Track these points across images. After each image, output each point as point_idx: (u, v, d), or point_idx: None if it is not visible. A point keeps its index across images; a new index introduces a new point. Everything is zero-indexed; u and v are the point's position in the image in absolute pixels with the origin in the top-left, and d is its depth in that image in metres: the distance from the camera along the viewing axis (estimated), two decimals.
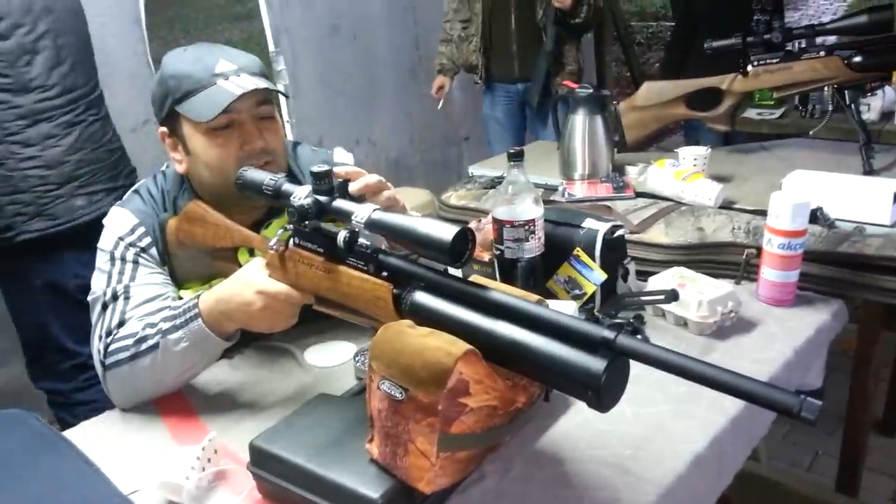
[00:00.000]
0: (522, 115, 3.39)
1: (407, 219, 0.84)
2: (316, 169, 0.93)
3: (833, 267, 1.34)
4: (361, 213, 0.89)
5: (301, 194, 0.94)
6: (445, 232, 0.79)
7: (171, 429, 1.11)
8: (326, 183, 0.93)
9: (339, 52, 3.55)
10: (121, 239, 1.22)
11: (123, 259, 1.21)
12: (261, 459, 0.90)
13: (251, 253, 1.20)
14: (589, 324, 0.73)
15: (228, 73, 1.16)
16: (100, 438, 1.10)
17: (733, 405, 1.04)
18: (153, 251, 1.23)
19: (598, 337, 0.71)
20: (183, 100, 1.16)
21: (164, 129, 1.23)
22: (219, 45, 1.23)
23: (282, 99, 3.41)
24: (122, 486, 0.88)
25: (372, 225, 0.87)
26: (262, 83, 1.16)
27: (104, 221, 1.26)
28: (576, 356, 0.71)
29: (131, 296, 1.18)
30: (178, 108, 1.17)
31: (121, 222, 1.24)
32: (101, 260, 1.23)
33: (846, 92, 1.77)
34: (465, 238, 0.81)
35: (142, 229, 1.23)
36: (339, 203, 0.93)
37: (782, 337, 1.22)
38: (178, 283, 1.25)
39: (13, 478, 0.81)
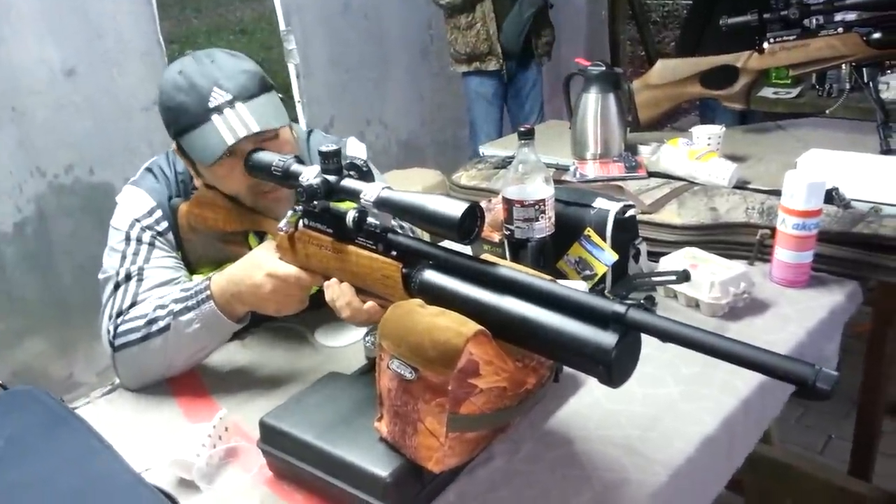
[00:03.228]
0: (504, 91, 3.52)
1: (416, 196, 0.84)
2: (324, 148, 0.92)
3: (848, 248, 1.32)
4: (370, 191, 0.88)
5: (310, 174, 0.93)
6: (454, 208, 0.79)
7: (184, 407, 1.12)
8: (335, 162, 0.93)
9: (351, 31, 3.53)
10: (137, 220, 1.21)
11: (139, 240, 1.20)
12: (270, 436, 0.90)
13: (259, 237, 1.20)
14: (600, 298, 0.72)
15: (223, 106, 1.09)
16: (112, 416, 1.11)
17: (745, 386, 1.03)
18: (169, 235, 1.22)
19: (609, 311, 0.70)
20: (182, 133, 1.12)
21: (175, 146, 1.19)
22: (214, 60, 1.13)
23: (293, 78, 3.41)
24: (133, 464, 0.88)
25: (381, 203, 0.87)
26: (254, 125, 1.08)
27: (117, 199, 1.25)
28: (587, 331, 0.71)
29: (144, 278, 1.18)
30: (180, 142, 1.14)
31: (137, 203, 1.23)
32: (115, 239, 1.22)
33: (864, 70, 1.73)
34: (474, 215, 0.80)
35: (159, 212, 1.22)
36: (348, 182, 0.92)
37: (795, 318, 1.21)
38: (191, 267, 1.25)
39: (26, 454, 0.82)
